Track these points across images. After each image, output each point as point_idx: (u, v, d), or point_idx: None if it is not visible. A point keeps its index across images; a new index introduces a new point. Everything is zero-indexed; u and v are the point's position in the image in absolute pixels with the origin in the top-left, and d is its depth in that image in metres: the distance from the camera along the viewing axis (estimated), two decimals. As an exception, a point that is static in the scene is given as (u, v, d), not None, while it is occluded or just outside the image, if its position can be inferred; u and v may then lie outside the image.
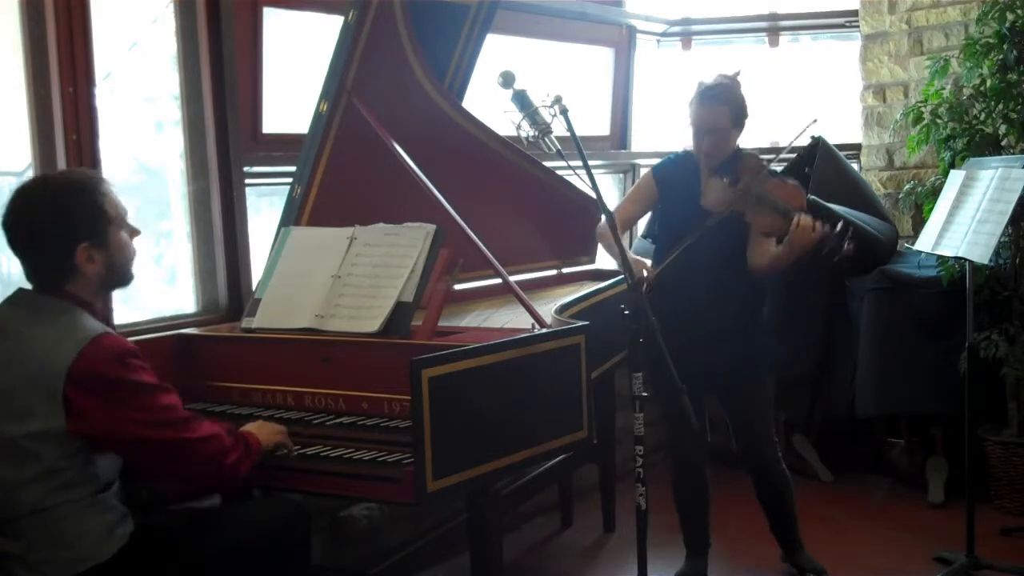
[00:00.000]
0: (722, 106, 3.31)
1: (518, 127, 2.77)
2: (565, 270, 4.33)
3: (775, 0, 5.57)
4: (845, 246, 3.10)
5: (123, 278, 2.39)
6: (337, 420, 2.70)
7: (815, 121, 3.33)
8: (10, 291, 2.42)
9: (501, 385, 2.55)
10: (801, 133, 3.34)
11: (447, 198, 3.01)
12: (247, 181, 3.60)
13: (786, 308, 4.70)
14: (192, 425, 2.28)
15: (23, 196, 2.28)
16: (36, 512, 2.16)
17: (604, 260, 4.63)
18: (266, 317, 2.92)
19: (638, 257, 3.33)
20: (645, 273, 3.23)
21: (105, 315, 2.80)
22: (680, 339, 3.26)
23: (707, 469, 3.62)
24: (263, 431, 2.50)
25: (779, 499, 3.59)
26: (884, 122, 5.23)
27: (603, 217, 3.31)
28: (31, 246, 2.27)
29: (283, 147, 3.69)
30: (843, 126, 5.33)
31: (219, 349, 2.98)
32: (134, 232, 2.40)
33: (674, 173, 3.47)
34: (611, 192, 5.45)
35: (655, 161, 5.59)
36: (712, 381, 3.39)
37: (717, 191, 3.30)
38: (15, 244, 2.29)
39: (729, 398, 3.51)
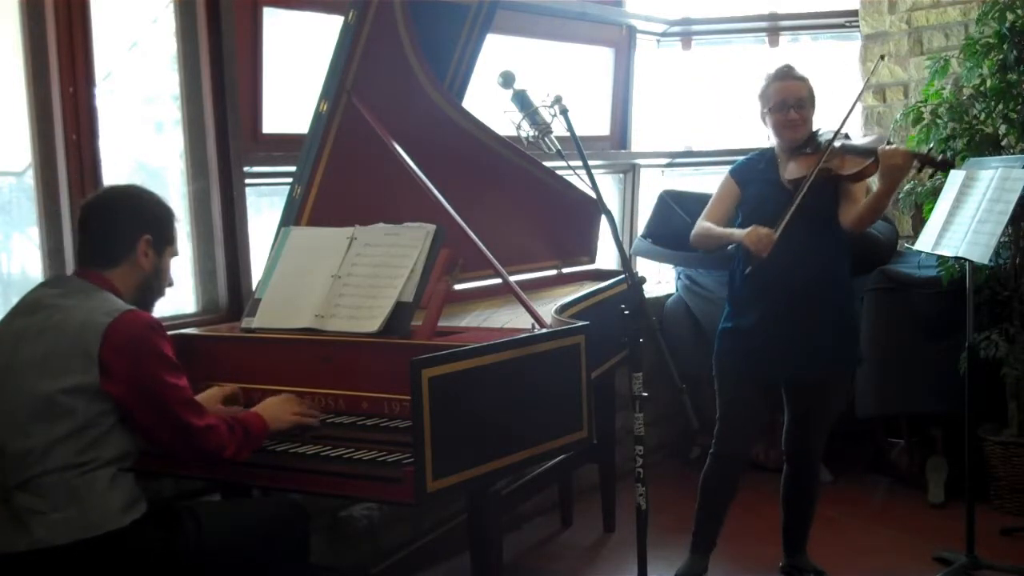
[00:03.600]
0: (801, 81, 3.42)
1: (518, 127, 2.77)
2: (565, 270, 4.33)
3: (775, 0, 5.57)
4: (937, 157, 3.26)
5: (152, 298, 2.53)
6: (337, 420, 2.69)
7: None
8: (9, 291, 2.45)
9: (501, 385, 2.54)
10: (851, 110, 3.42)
11: (447, 198, 3.01)
12: (247, 181, 3.60)
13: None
14: (200, 412, 2.39)
15: (112, 187, 2.56)
16: (62, 470, 2.23)
17: (604, 260, 4.64)
18: (266, 317, 2.92)
19: (754, 228, 3.26)
20: (761, 240, 3.23)
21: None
22: (771, 334, 3.35)
23: (743, 471, 3.62)
24: (274, 413, 2.57)
25: (809, 497, 3.62)
26: (884, 122, 5.23)
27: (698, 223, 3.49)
28: (104, 221, 2.45)
29: (283, 147, 3.69)
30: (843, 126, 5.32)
31: (219, 349, 2.97)
32: (170, 279, 2.58)
33: (752, 169, 3.51)
34: (611, 192, 5.46)
35: (655, 161, 5.65)
36: (794, 369, 3.40)
37: (802, 160, 3.37)
38: (90, 220, 2.46)
39: (805, 389, 3.48)
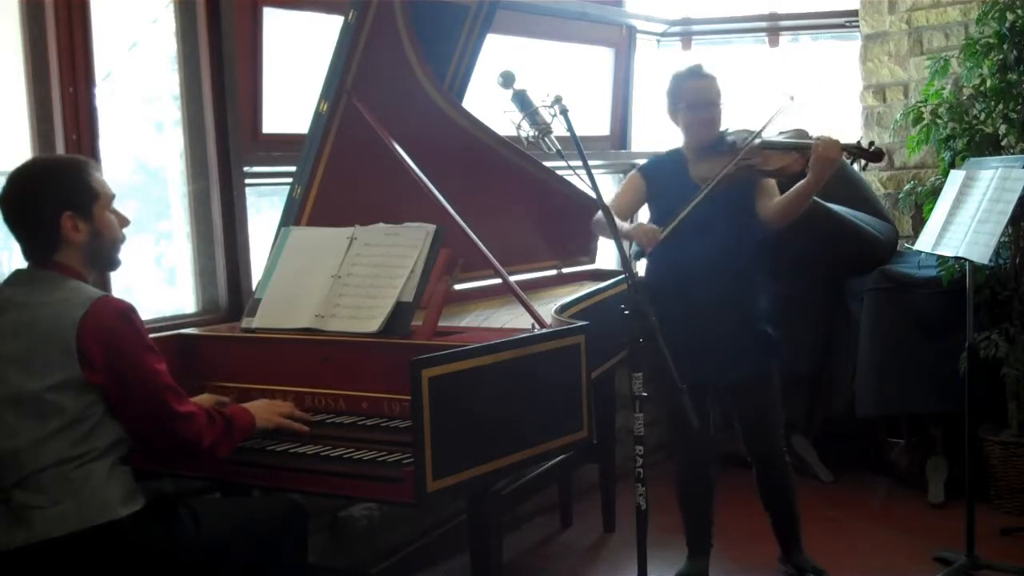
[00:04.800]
0: (715, 79, 3.42)
1: (518, 127, 2.77)
2: (565, 270, 4.33)
3: (775, 0, 5.57)
4: (870, 148, 3.29)
5: (109, 257, 2.48)
6: (337, 420, 2.69)
7: (792, 98, 3.40)
8: (9, 291, 2.45)
9: (501, 385, 2.54)
10: (777, 111, 3.38)
11: (447, 198, 3.01)
12: (247, 181, 3.60)
13: (786, 308, 4.69)
14: (180, 398, 2.37)
15: (16, 173, 2.43)
16: (59, 464, 2.24)
17: (604, 260, 4.64)
18: (266, 317, 2.92)
19: (641, 224, 3.32)
20: (647, 235, 3.22)
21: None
22: (688, 334, 3.29)
23: (712, 468, 3.62)
24: (262, 412, 2.56)
25: (784, 493, 3.60)
26: (884, 122, 5.23)
27: (599, 211, 3.39)
28: (20, 216, 2.39)
29: (283, 147, 3.69)
30: (843, 126, 5.33)
31: (219, 349, 2.98)
32: (123, 220, 2.49)
33: (661, 169, 3.50)
34: (611, 192, 5.45)
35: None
36: (721, 375, 3.40)
37: (715, 160, 3.35)
38: (8, 218, 2.41)
39: (737, 389, 3.50)
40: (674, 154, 3.53)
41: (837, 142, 3.22)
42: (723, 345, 3.37)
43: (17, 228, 2.41)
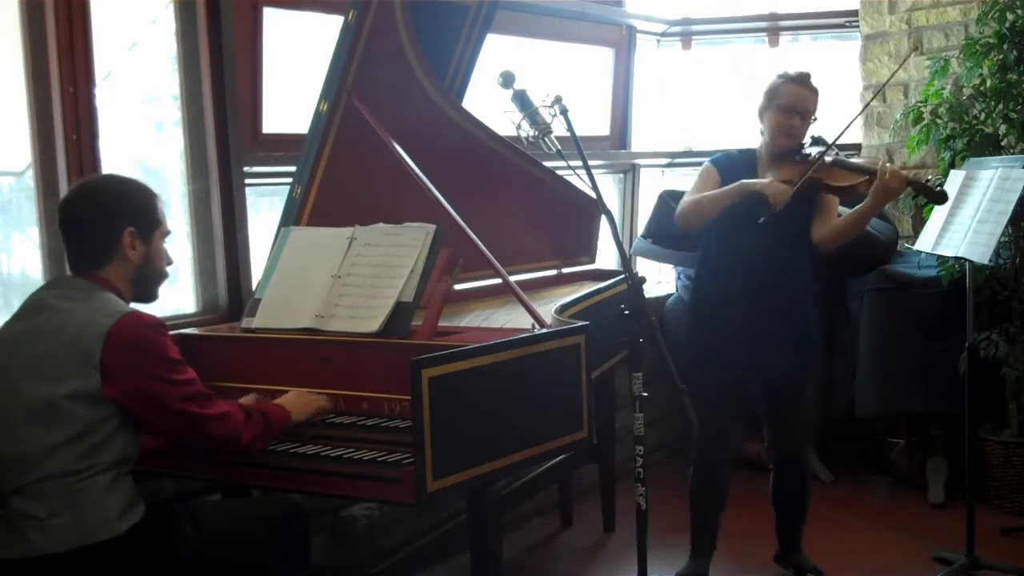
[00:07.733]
0: (815, 93, 3.40)
1: (518, 127, 2.77)
2: (565, 270, 4.33)
3: (775, 0, 5.57)
4: (936, 188, 3.30)
5: (153, 286, 2.50)
6: (337, 420, 2.69)
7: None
8: (9, 291, 2.45)
9: (501, 385, 2.54)
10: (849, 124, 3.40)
11: (447, 198, 3.01)
12: (247, 181, 3.60)
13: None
14: (209, 402, 2.38)
15: (86, 181, 2.47)
16: (61, 476, 2.21)
17: (604, 260, 4.64)
18: (266, 317, 2.92)
19: (774, 180, 3.26)
20: (782, 193, 3.22)
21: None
22: (739, 331, 3.35)
23: (728, 471, 3.61)
24: (298, 404, 2.59)
25: (800, 494, 3.61)
26: (884, 122, 5.24)
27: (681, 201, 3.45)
28: (82, 219, 2.39)
29: (283, 147, 3.69)
30: (843, 126, 5.31)
31: (219, 349, 2.97)
32: (168, 257, 2.53)
33: (733, 165, 3.47)
34: (611, 192, 5.46)
35: (655, 161, 5.65)
36: (760, 371, 3.41)
37: (786, 167, 3.35)
38: (70, 222, 2.40)
39: (772, 389, 3.49)
40: (747, 153, 3.50)
41: (903, 175, 3.22)
42: (770, 343, 3.37)
43: (74, 232, 2.40)
